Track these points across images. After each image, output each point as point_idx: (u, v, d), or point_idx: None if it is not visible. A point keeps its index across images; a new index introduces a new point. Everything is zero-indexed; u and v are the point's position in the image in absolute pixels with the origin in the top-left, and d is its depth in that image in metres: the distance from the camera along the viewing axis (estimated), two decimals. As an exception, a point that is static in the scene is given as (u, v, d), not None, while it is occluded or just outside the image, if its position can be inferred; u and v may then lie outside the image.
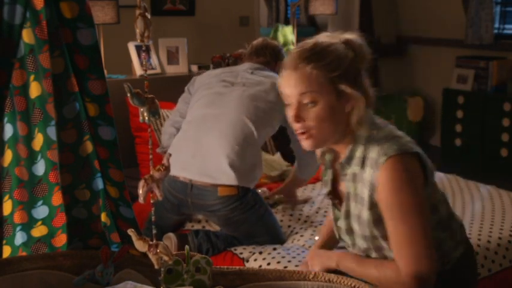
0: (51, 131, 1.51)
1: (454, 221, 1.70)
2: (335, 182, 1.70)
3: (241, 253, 2.37)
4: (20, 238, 1.60)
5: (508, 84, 4.93)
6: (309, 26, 7.08)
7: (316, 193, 3.03)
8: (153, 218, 1.25)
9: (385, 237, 1.56)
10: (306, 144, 1.56)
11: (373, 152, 1.51)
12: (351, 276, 1.60)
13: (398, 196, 1.48)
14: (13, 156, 1.54)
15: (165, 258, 1.23)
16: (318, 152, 1.74)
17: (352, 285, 1.43)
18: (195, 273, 1.46)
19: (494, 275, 2.25)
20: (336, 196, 1.70)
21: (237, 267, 1.55)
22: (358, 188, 1.56)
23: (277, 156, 3.51)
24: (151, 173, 1.21)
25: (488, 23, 5.00)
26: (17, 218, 1.58)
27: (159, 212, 2.38)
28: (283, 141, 3.22)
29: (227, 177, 2.35)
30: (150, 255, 1.23)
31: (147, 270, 1.52)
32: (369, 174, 1.52)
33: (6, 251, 1.59)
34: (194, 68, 4.02)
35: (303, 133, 1.54)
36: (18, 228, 1.59)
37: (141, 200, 1.20)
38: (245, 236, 2.43)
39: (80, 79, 1.48)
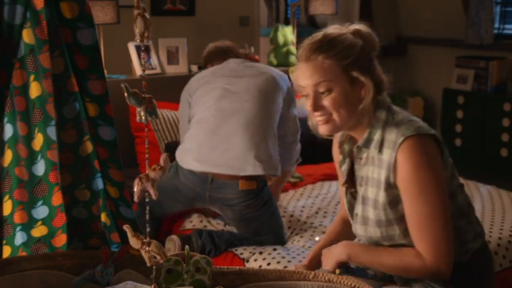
0: (51, 131, 1.51)
1: (473, 214, 1.70)
2: (352, 171, 1.72)
3: (241, 253, 2.38)
4: (20, 238, 1.60)
5: (508, 84, 4.92)
6: (309, 26, 7.08)
7: (316, 193, 3.03)
8: (147, 217, 1.26)
9: (398, 220, 1.57)
10: (324, 128, 1.60)
11: (391, 134, 1.54)
12: (353, 273, 1.61)
13: (418, 175, 1.50)
14: (13, 156, 1.54)
15: (157, 257, 1.23)
16: (336, 142, 1.77)
17: (352, 285, 1.43)
18: (195, 273, 1.46)
19: (494, 275, 2.25)
20: (352, 185, 1.72)
21: (237, 267, 1.55)
22: (376, 171, 1.58)
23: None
24: (146, 172, 1.21)
25: (488, 23, 5.00)
26: (17, 218, 1.58)
27: (164, 200, 2.38)
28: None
29: (253, 167, 2.36)
30: (143, 253, 1.24)
31: (147, 270, 1.52)
32: (387, 155, 1.54)
33: (6, 251, 1.59)
34: (194, 68, 4.01)
35: (321, 119, 1.59)
36: (18, 228, 1.59)
37: (135, 198, 1.21)
38: (253, 234, 2.44)
39: (80, 79, 1.48)
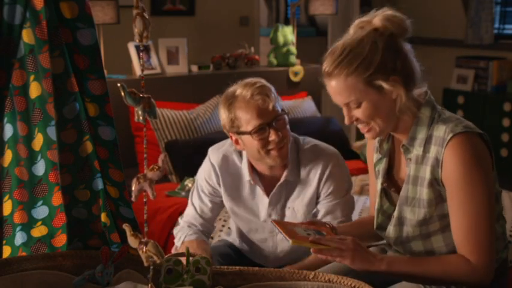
0: (51, 131, 1.51)
1: (503, 220, 1.67)
2: (390, 170, 1.70)
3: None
4: (20, 238, 1.60)
5: (508, 84, 4.93)
6: (309, 26, 7.08)
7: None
8: (145, 216, 1.26)
9: (440, 217, 1.54)
10: (368, 136, 1.61)
11: (439, 131, 1.52)
12: (357, 278, 1.58)
13: (467, 174, 1.47)
14: (13, 156, 1.54)
15: (154, 257, 1.23)
16: (371, 142, 1.75)
17: (352, 285, 1.43)
18: (195, 273, 1.46)
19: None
20: (392, 184, 1.69)
21: (237, 267, 1.55)
22: (421, 169, 1.55)
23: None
24: (144, 172, 1.21)
25: (488, 23, 5.00)
26: (17, 218, 1.58)
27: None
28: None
29: None
30: (140, 253, 1.24)
31: (147, 270, 1.52)
32: (434, 151, 1.51)
33: (6, 251, 1.59)
34: (194, 68, 4.02)
35: (362, 128, 1.60)
36: (18, 228, 1.59)
37: (132, 198, 1.21)
38: None
39: (80, 79, 1.48)
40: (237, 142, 1.93)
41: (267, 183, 2.00)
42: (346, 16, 5.44)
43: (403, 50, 1.55)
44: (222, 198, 2.05)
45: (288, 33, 4.28)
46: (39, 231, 1.60)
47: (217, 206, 2.09)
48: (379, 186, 1.71)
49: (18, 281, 1.46)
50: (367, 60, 1.49)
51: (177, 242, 2.07)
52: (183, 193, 3.17)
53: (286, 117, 1.91)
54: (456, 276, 1.51)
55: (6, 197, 1.55)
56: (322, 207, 1.96)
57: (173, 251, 2.26)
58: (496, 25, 5.18)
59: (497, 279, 1.61)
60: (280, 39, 4.24)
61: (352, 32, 1.56)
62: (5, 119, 1.50)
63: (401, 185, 1.64)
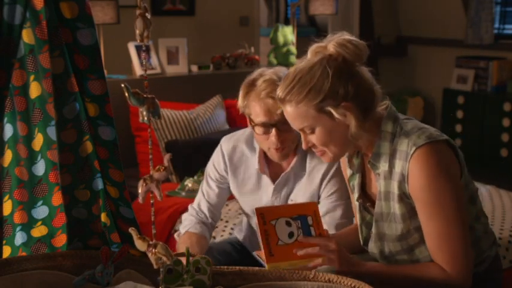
0: (51, 131, 1.51)
1: (485, 217, 1.67)
2: (364, 185, 1.70)
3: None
4: (20, 238, 1.60)
5: (508, 84, 4.93)
6: (309, 26, 7.09)
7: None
8: (152, 218, 1.25)
9: (417, 229, 1.54)
10: (325, 159, 1.63)
11: (402, 145, 1.51)
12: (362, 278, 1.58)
13: (433, 186, 1.46)
14: (13, 156, 1.54)
15: (164, 258, 1.23)
16: (344, 158, 1.74)
17: (352, 285, 1.43)
18: (195, 273, 1.46)
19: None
20: (367, 199, 1.69)
21: (237, 267, 1.55)
22: (390, 184, 1.55)
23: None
24: (150, 173, 1.21)
25: (488, 23, 5.00)
26: (17, 218, 1.58)
27: None
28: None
29: None
30: (149, 255, 1.23)
31: (147, 270, 1.52)
32: (399, 166, 1.51)
33: (6, 251, 1.59)
34: (194, 68, 4.02)
35: (318, 152, 1.61)
36: (18, 228, 1.59)
37: (140, 200, 1.20)
38: None
39: (80, 79, 1.48)
40: (249, 123, 1.98)
41: (274, 169, 2.03)
42: (346, 16, 5.44)
43: (358, 75, 1.53)
44: (230, 185, 2.10)
45: (288, 33, 4.28)
46: (39, 231, 1.60)
47: (224, 192, 2.13)
48: (355, 202, 1.72)
49: (18, 281, 1.46)
50: (316, 88, 1.50)
51: (182, 229, 2.11)
52: (183, 193, 3.17)
53: None
54: (432, 283, 1.52)
55: (6, 197, 1.55)
56: (322, 206, 1.96)
57: (176, 237, 2.31)
58: (496, 25, 5.18)
59: (490, 276, 1.62)
60: (280, 39, 4.24)
61: (309, 56, 1.57)
62: (5, 119, 1.50)
63: (375, 199, 1.64)
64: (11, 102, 1.50)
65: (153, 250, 1.23)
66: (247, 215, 2.17)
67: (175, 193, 3.19)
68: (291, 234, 1.56)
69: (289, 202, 2.01)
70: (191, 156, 3.37)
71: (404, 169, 1.50)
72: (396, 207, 1.55)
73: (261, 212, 1.58)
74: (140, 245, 1.25)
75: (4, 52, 1.34)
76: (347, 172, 1.76)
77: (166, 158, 1.21)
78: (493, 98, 4.92)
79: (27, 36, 1.44)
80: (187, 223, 2.10)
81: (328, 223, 1.93)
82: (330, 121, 1.52)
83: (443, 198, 1.47)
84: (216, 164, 2.10)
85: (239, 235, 2.28)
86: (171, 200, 3.09)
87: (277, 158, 1.93)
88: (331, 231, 1.89)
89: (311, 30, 6.93)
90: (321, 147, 1.57)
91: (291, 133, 1.88)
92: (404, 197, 1.53)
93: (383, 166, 1.56)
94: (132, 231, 1.26)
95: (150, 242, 1.24)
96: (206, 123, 3.61)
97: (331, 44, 1.53)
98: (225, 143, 2.09)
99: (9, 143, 1.53)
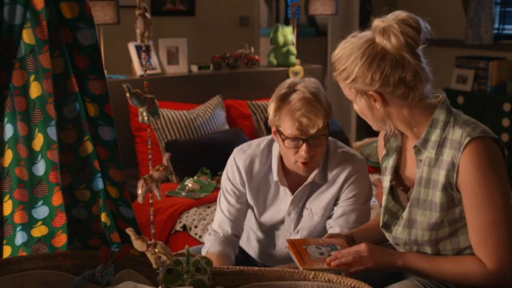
0: (52, 131, 1.51)
1: None
2: (398, 168, 1.69)
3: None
4: (20, 238, 1.60)
5: (507, 84, 4.92)
6: (309, 26, 7.08)
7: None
8: (151, 218, 1.25)
9: (451, 222, 1.54)
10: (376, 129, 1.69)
11: (455, 134, 1.52)
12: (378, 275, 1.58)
13: (484, 179, 1.47)
14: (13, 156, 1.54)
15: (163, 258, 1.23)
16: (382, 137, 1.75)
17: (352, 285, 1.43)
18: (195, 273, 1.46)
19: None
20: (399, 182, 1.68)
21: (237, 267, 1.55)
22: (434, 172, 1.54)
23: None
24: (150, 173, 1.21)
25: (488, 23, 5.00)
26: (17, 218, 1.58)
27: None
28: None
29: None
30: (149, 255, 1.23)
31: (147, 270, 1.52)
32: (449, 155, 1.51)
33: (7, 251, 1.59)
34: (194, 68, 4.02)
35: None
36: (18, 228, 1.59)
37: (140, 199, 1.20)
38: None
39: (80, 79, 1.48)
40: (275, 133, 1.95)
41: (293, 180, 2.01)
42: (346, 16, 5.44)
43: (397, 65, 1.53)
44: (247, 198, 2.06)
45: (288, 33, 4.28)
46: (39, 231, 1.60)
47: (244, 206, 2.08)
48: (387, 184, 1.70)
49: (18, 281, 1.46)
50: (349, 69, 1.54)
51: (202, 250, 2.07)
52: (183, 193, 3.17)
53: (325, 137, 1.91)
54: (469, 278, 1.52)
55: (7, 197, 1.56)
56: (339, 209, 1.97)
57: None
58: (496, 25, 5.18)
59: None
60: (280, 39, 4.24)
61: (368, 33, 1.64)
62: (6, 119, 1.50)
63: (408, 184, 1.64)
64: (12, 102, 1.50)
65: (154, 250, 1.23)
66: (255, 231, 2.13)
67: (175, 193, 3.19)
68: (321, 254, 1.64)
69: (305, 210, 2.01)
70: (191, 156, 3.37)
71: (455, 158, 1.49)
72: (436, 196, 1.54)
73: (291, 242, 1.70)
74: (139, 245, 1.25)
75: (4, 52, 1.34)
76: (382, 152, 1.76)
77: (166, 157, 1.21)
78: (492, 98, 4.92)
79: (27, 36, 1.44)
80: (208, 244, 2.05)
81: (342, 226, 1.93)
82: (361, 102, 1.57)
83: (494, 194, 1.47)
84: (231, 178, 2.05)
85: (243, 245, 2.23)
86: (171, 200, 3.09)
87: (303, 171, 1.92)
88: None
89: (311, 30, 6.93)
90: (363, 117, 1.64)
91: (320, 148, 1.88)
92: (449, 187, 1.52)
93: (429, 153, 1.55)
94: (129, 231, 1.26)
95: (149, 242, 1.24)
96: (206, 123, 3.62)
97: (380, 30, 1.61)
98: (240, 157, 2.04)
99: (10, 143, 1.53)
